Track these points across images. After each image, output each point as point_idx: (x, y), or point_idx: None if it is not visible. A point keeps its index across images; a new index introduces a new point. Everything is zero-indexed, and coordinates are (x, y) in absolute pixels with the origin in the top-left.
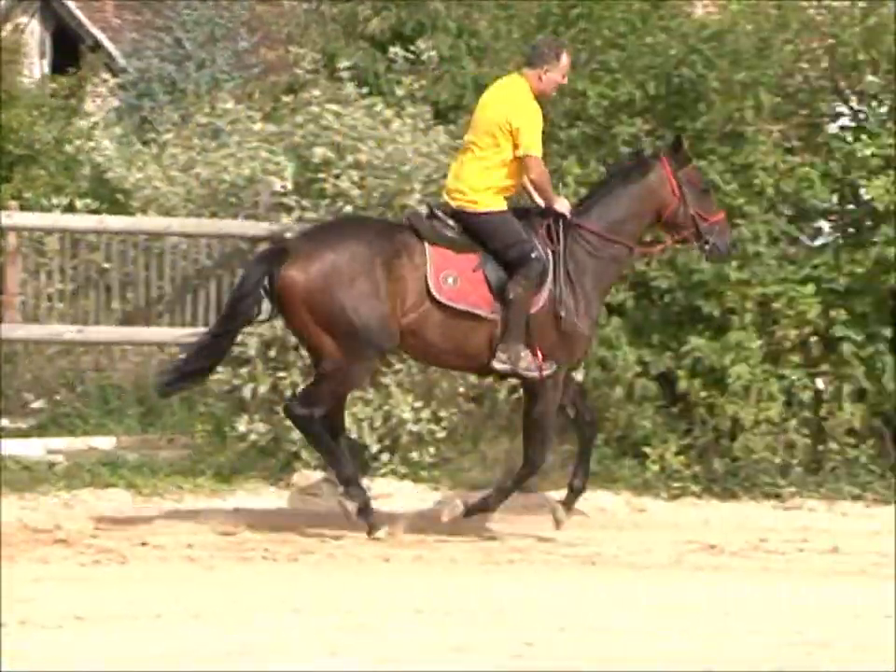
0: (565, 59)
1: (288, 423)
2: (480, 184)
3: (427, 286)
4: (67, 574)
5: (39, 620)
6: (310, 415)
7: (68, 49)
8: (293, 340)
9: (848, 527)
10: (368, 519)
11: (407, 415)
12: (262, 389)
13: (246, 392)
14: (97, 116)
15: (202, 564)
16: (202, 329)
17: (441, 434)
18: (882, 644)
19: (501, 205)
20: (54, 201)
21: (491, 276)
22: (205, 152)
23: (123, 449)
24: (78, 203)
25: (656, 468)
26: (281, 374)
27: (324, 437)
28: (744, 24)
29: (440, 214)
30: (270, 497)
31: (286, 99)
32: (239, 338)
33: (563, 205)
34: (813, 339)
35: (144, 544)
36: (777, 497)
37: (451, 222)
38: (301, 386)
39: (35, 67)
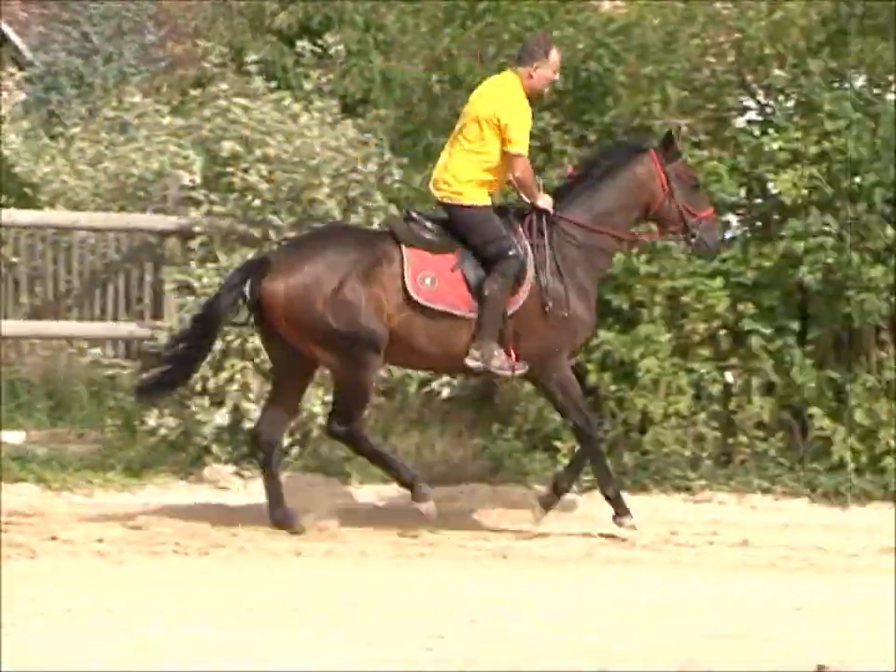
0: (554, 55)
1: (199, 417)
2: (464, 176)
3: (405, 288)
4: None
5: None
6: (349, 431)
7: None
8: None
9: (758, 520)
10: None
11: (317, 409)
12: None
13: None
14: (4, 110)
15: (111, 558)
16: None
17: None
18: (791, 637)
19: (485, 200)
20: None
21: (469, 275)
22: (113, 146)
23: (33, 443)
24: None
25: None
26: None
27: (374, 449)
28: (651, 18)
29: (416, 216)
30: (180, 492)
31: (193, 93)
32: (148, 332)
33: (546, 202)
34: (722, 332)
35: (53, 539)
36: (687, 490)
37: (428, 224)
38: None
39: None
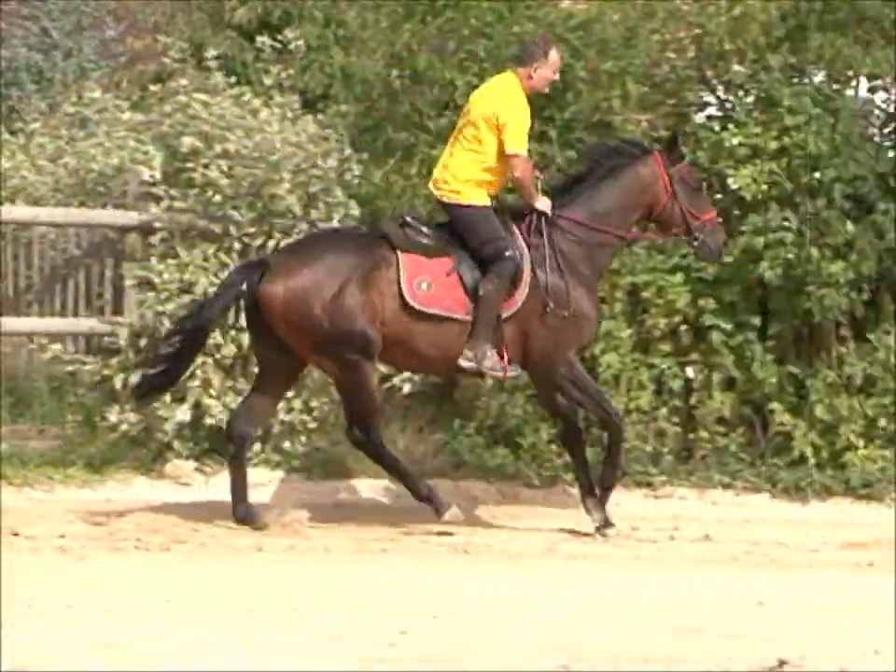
0: (554, 55)
1: (160, 413)
2: (464, 175)
3: (401, 294)
4: None
5: None
6: (369, 441)
7: None
8: (163, 330)
9: (719, 516)
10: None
11: (279, 405)
12: (133, 380)
13: (117, 382)
14: None
15: (73, 554)
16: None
17: (313, 424)
18: (752, 632)
19: (484, 200)
20: None
21: (466, 278)
22: (73, 141)
23: None
24: None
25: (528, 456)
26: None
27: (395, 461)
28: (610, 14)
29: (412, 221)
30: (141, 488)
31: (153, 88)
32: (109, 328)
33: (545, 204)
34: (682, 328)
35: (15, 535)
36: (649, 485)
37: (424, 229)
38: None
39: None
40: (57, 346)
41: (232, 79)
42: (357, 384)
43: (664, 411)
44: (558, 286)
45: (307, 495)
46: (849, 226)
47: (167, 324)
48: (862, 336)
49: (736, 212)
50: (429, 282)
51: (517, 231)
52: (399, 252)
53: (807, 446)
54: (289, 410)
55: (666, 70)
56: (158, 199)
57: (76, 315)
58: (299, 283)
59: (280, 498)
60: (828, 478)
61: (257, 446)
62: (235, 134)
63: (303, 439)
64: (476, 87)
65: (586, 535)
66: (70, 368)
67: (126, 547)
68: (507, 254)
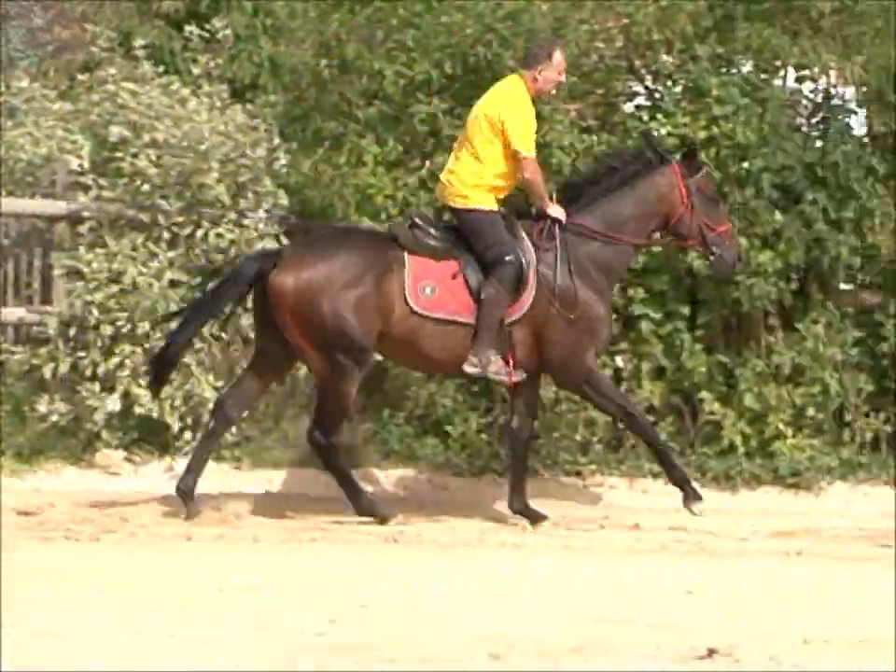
0: (558, 56)
1: (89, 402)
2: (470, 180)
3: (405, 297)
4: None
5: None
6: (328, 445)
7: None
8: (92, 319)
9: (649, 504)
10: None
11: (208, 394)
12: (63, 369)
13: (46, 372)
14: None
15: (3, 544)
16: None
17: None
18: (682, 621)
19: (491, 205)
20: None
21: (472, 281)
22: (1, 131)
23: None
24: None
25: (458, 446)
26: (81, 354)
27: (345, 470)
28: (539, 4)
29: (420, 223)
30: (71, 477)
31: (81, 77)
32: (38, 318)
33: (557, 211)
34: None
35: None
36: (578, 474)
37: (432, 230)
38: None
39: None
40: None
41: (161, 69)
42: (340, 389)
43: None
44: (566, 288)
45: (237, 484)
46: (777, 216)
47: (96, 313)
48: (791, 325)
49: None
50: (434, 286)
51: (525, 236)
52: (406, 254)
53: (736, 435)
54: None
55: (595, 60)
56: (86, 188)
57: (4, 304)
58: (310, 276)
59: (209, 488)
60: (757, 467)
61: (187, 435)
62: (164, 124)
63: (233, 428)
64: (405, 76)
65: (515, 524)
66: None
67: (55, 537)
68: (507, 259)
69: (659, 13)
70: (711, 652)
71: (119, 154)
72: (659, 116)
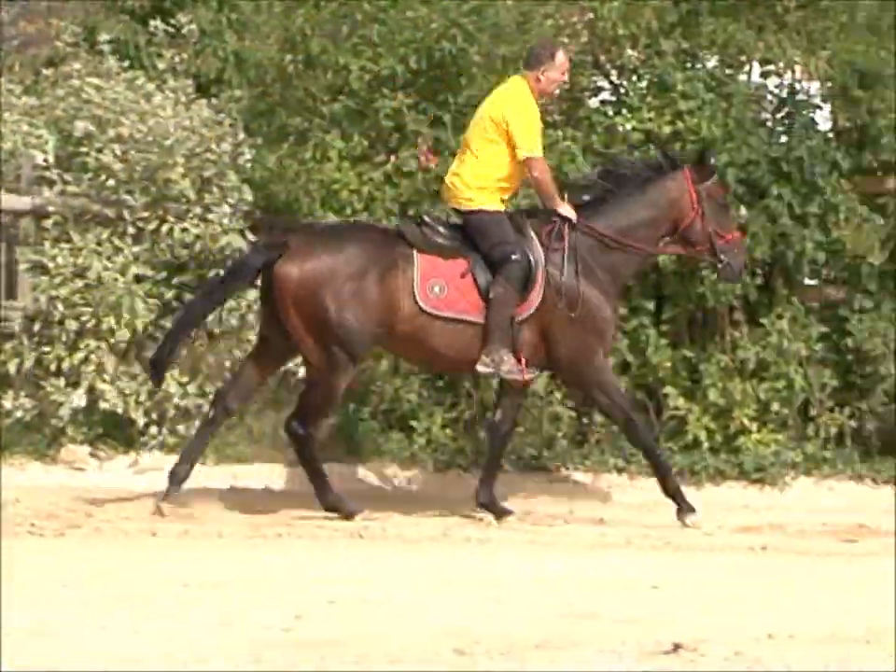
0: (560, 57)
1: (54, 398)
2: (475, 182)
3: (414, 295)
4: None
5: None
6: (306, 436)
7: None
8: (57, 314)
9: (614, 499)
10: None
11: (173, 389)
12: (27, 364)
13: (11, 367)
14: None
15: None
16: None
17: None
18: (648, 615)
19: (496, 205)
20: None
21: (480, 280)
22: None
23: None
24: None
25: (423, 441)
26: (46, 349)
27: (316, 463)
28: None
29: (429, 221)
30: (36, 473)
31: (46, 72)
32: (2, 313)
33: (567, 211)
34: None
35: None
36: (543, 469)
37: (441, 229)
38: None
39: None
40: None
41: (126, 63)
42: (332, 384)
43: (558, 395)
44: (570, 286)
45: (202, 479)
46: (743, 210)
47: (61, 308)
48: (756, 320)
49: None
50: (442, 285)
51: (534, 236)
52: (415, 252)
53: (701, 430)
54: (184, 394)
55: None
56: (51, 183)
57: None
58: (315, 266)
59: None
60: (721, 462)
61: (153, 430)
62: (129, 119)
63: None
64: (370, 71)
65: (480, 519)
66: None
67: (20, 532)
68: (513, 257)
69: (624, 8)
70: (676, 647)
71: (84, 149)
72: (624, 111)
